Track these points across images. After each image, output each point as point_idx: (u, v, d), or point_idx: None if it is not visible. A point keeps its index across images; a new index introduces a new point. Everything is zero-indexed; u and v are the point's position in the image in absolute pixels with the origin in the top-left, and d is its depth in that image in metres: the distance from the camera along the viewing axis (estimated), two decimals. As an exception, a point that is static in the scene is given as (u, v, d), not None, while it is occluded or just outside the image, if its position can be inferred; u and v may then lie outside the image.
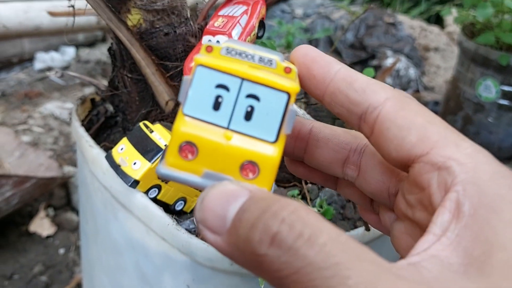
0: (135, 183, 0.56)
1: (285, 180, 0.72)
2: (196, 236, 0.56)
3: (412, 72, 2.05)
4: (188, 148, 0.28)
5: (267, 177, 0.28)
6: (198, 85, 0.28)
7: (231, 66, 0.28)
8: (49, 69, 1.99)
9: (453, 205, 0.25)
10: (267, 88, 0.28)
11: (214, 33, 0.60)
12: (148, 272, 0.62)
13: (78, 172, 0.79)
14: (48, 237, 1.25)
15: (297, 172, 0.38)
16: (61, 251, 1.22)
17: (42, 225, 1.28)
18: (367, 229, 0.62)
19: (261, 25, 0.67)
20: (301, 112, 0.60)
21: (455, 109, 1.71)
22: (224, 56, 0.29)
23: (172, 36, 0.62)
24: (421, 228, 0.28)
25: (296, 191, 0.70)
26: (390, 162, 0.29)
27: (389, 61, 2.05)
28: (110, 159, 0.59)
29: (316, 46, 2.05)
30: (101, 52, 2.17)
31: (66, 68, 2.03)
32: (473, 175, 0.25)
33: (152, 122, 0.66)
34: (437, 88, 2.07)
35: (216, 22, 0.61)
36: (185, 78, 0.29)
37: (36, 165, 1.31)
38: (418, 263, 0.24)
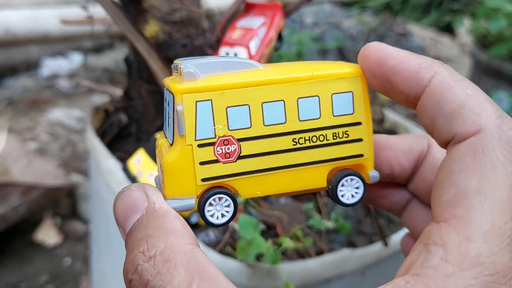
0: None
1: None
2: (213, 248, 0.55)
3: (422, 83, 2.04)
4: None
5: (167, 182, 0.29)
6: (165, 106, 0.32)
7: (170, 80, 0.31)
8: (56, 76, 1.99)
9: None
10: (169, 93, 0.30)
11: (232, 44, 0.59)
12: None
13: (91, 182, 0.78)
14: (54, 246, 1.24)
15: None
16: (67, 260, 1.21)
17: (48, 234, 1.26)
18: (386, 244, 0.61)
19: (279, 37, 0.66)
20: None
21: (466, 121, 1.69)
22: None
23: (190, 47, 0.61)
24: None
25: (311, 205, 0.68)
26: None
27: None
28: (126, 171, 0.58)
29: (326, 55, 2.04)
30: (108, 59, 2.17)
31: (73, 75, 2.03)
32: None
33: (168, 134, 0.64)
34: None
35: (234, 34, 0.60)
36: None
37: (43, 173, 1.30)
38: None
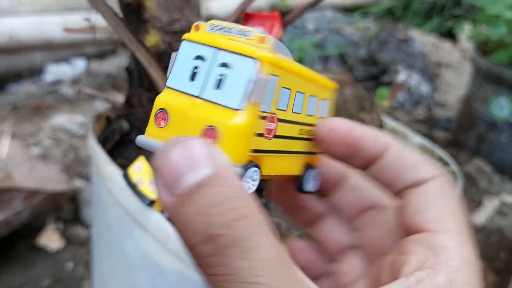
0: (151, 203, 0.56)
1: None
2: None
3: (424, 88, 2.05)
4: (161, 115, 0.29)
5: (230, 145, 0.27)
6: (181, 58, 0.30)
7: (207, 37, 0.29)
8: (60, 82, 2.00)
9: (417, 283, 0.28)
10: (238, 55, 0.28)
11: (231, 54, 0.60)
12: (162, 292, 0.62)
13: (93, 188, 0.79)
14: (56, 251, 1.24)
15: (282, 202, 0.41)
16: (70, 265, 1.22)
17: (51, 239, 1.27)
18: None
19: (279, 46, 0.66)
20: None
21: (468, 127, 1.70)
22: (208, 32, 0.31)
23: (190, 56, 0.62)
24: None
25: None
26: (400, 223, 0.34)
27: (400, 77, 2.05)
28: (127, 178, 0.59)
29: (328, 62, 2.05)
30: (111, 65, 2.18)
31: (76, 81, 2.04)
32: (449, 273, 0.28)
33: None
34: (449, 104, 2.06)
35: (234, 43, 0.61)
36: (172, 54, 0.31)
37: (46, 179, 1.31)
38: None
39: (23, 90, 1.94)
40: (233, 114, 0.27)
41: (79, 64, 2.11)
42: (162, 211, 0.58)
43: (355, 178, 0.39)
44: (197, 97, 0.29)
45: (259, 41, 0.29)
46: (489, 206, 1.50)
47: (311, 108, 0.34)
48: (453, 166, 0.82)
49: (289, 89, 0.31)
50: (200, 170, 0.24)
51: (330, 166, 0.39)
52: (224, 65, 0.28)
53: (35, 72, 2.02)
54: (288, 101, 0.31)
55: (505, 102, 1.54)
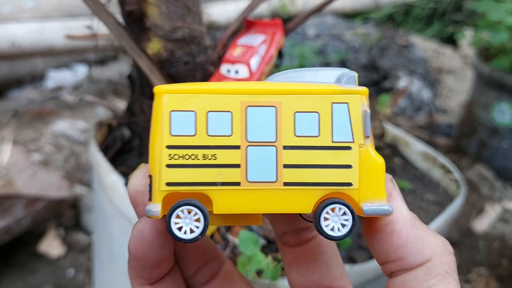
0: (153, 213, 0.56)
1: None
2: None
3: (425, 94, 2.05)
4: None
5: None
6: None
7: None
8: (61, 88, 2.00)
9: None
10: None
11: (233, 62, 0.60)
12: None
13: (94, 196, 0.79)
14: (57, 257, 1.24)
15: None
16: (71, 271, 1.21)
17: (52, 246, 1.27)
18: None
19: (280, 54, 0.66)
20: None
21: (470, 133, 1.69)
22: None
23: (192, 65, 0.62)
24: None
25: (312, 220, 0.69)
26: None
27: (402, 83, 2.05)
28: (128, 188, 0.58)
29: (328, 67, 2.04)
30: (112, 71, 2.19)
31: (77, 87, 2.04)
32: None
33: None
34: (451, 110, 2.06)
35: (235, 52, 0.61)
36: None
37: (47, 185, 1.31)
38: None
39: (24, 96, 1.94)
40: (367, 150, 0.31)
41: (81, 70, 2.11)
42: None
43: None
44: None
45: None
46: (491, 213, 1.49)
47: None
48: (456, 173, 0.81)
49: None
50: None
51: None
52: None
53: (36, 78, 2.02)
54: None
55: (506, 108, 1.54)
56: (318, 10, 0.65)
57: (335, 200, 0.30)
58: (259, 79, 0.60)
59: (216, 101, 0.30)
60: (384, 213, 0.30)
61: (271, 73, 0.65)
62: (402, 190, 0.81)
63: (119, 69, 2.21)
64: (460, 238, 1.41)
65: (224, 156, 0.30)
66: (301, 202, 0.31)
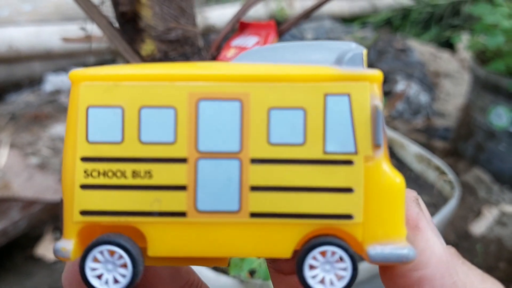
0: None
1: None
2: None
3: (423, 98, 2.05)
4: None
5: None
6: None
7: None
8: (59, 91, 2.00)
9: None
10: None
11: (227, 63, 0.60)
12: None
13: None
14: (54, 261, 1.24)
15: None
16: (67, 275, 1.21)
17: (48, 249, 1.26)
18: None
19: (274, 55, 0.66)
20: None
21: (467, 136, 1.69)
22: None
23: (185, 65, 0.62)
24: None
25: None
26: None
27: (399, 87, 2.05)
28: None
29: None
30: (111, 75, 2.18)
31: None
32: None
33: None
34: (448, 114, 2.06)
35: (228, 53, 0.61)
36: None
37: (44, 188, 1.31)
38: None
39: (22, 100, 1.94)
40: (380, 164, 0.22)
41: (79, 74, 2.10)
42: None
43: None
44: None
45: None
46: (488, 216, 1.49)
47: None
48: (450, 175, 0.81)
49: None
50: None
51: None
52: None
53: (34, 82, 2.02)
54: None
55: (503, 111, 1.54)
56: (309, 12, 0.65)
57: (327, 239, 0.21)
58: None
59: (153, 92, 0.21)
60: (400, 260, 0.21)
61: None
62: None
63: (117, 73, 2.20)
64: (457, 241, 1.41)
65: (163, 174, 0.21)
66: (276, 243, 0.21)
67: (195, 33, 0.62)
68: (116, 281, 0.21)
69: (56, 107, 1.91)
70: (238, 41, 0.63)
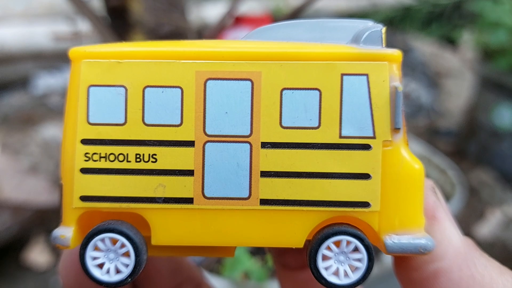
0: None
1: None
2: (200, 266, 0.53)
3: (425, 97, 2.02)
4: None
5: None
6: None
7: None
8: (51, 92, 1.97)
9: None
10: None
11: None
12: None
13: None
14: (46, 266, 1.21)
15: None
16: (60, 281, 1.18)
17: (40, 255, 1.24)
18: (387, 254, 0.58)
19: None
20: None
21: (470, 136, 1.67)
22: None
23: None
24: None
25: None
26: None
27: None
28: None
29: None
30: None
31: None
32: None
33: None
34: (450, 113, 2.04)
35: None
36: None
37: (35, 192, 1.28)
38: None
39: (13, 101, 1.91)
40: (398, 149, 0.21)
41: (72, 74, 2.08)
42: None
43: None
44: None
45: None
46: (492, 218, 1.47)
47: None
48: (451, 173, 0.79)
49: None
50: None
51: None
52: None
53: (25, 84, 2.00)
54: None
55: (507, 110, 1.51)
56: (303, 8, 0.62)
57: (342, 229, 0.19)
58: None
59: (158, 71, 0.19)
60: (418, 251, 0.20)
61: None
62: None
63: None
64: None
65: (168, 158, 0.20)
66: (287, 231, 0.20)
67: (187, 29, 0.59)
68: (118, 271, 0.20)
69: (47, 109, 1.88)
70: (232, 36, 0.61)
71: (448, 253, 0.21)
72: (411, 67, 2.14)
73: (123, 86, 0.20)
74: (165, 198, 0.20)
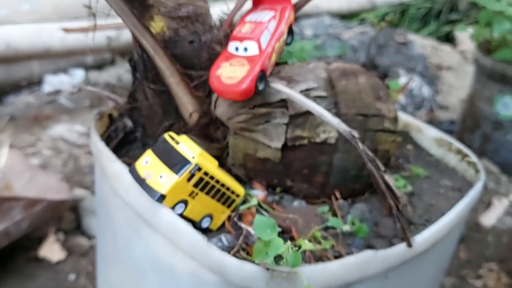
0: (161, 198, 0.53)
1: (314, 196, 0.68)
2: (228, 253, 0.52)
3: (426, 91, 2.02)
4: None
5: None
6: None
7: None
8: (58, 92, 1.97)
9: None
10: None
11: (241, 39, 0.57)
12: (174, 295, 0.58)
13: (96, 190, 0.75)
14: (57, 262, 1.20)
15: None
16: (71, 276, 1.18)
17: (52, 250, 1.23)
18: (409, 245, 0.58)
19: (290, 31, 0.64)
20: (336, 121, 0.56)
21: (473, 128, 1.67)
22: None
23: (197, 44, 0.59)
24: None
25: (326, 208, 0.66)
26: None
27: (401, 80, 2.03)
28: (134, 173, 0.55)
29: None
30: (109, 75, 2.16)
31: (74, 92, 2.01)
32: None
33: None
34: (452, 106, 2.04)
35: (243, 28, 0.59)
36: None
37: (46, 188, 1.27)
38: None
39: (21, 101, 1.91)
40: None
41: (78, 74, 2.08)
42: (173, 207, 0.55)
43: None
44: None
45: None
46: (499, 207, 1.47)
47: None
48: (473, 157, 0.79)
49: None
50: None
51: None
52: None
53: (33, 83, 2.00)
54: None
55: (510, 100, 1.51)
56: (301, 4, 0.63)
57: None
58: (269, 56, 0.58)
59: None
60: None
61: (282, 50, 0.62)
62: (417, 177, 0.78)
63: (116, 73, 2.18)
64: (468, 233, 1.39)
65: None
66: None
67: (206, 9, 0.59)
68: None
69: (55, 108, 1.88)
70: (252, 16, 0.60)
71: None
72: (411, 61, 2.15)
73: None
74: None
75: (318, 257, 0.58)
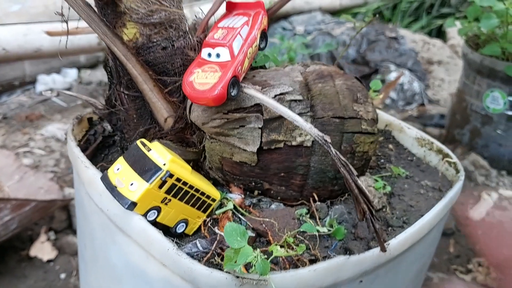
0: (132, 205, 0.53)
1: (292, 198, 0.68)
2: (199, 261, 0.52)
3: (416, 85, 2.03)
4: None
5: None
6: None
7: None
8: (51, 91, 1.97)
9: None
10: None
11: (213, 45, 0.57)
12: (149, 300, 0.58)
13: (75, 193, 0.76)
14: (48, 261, 1.21)
15: None
16: (62, 276, 1.18)
17: (42, 250, 1.24)
18: (383, 249, 0.58)
19: (263, 36, 0.64)
20: (308, 126, 0.57)
21: (462, 122, 1.67)
22: None
23: (170, 50, 0.60)
24: None
25: (304, 210, 0.66)
26: None
27: (392, 75, 2.03)
28: (106, 180, 0.56)
29: (318, 61, 2.02)
30: (102, 74, 2.16)
31: (67, 90, 2.01)
32: None
33: (151, 140, 0.62)
34: (442, 101, 2.04)
35: (216, 34, 0.59)
36: None
37: (35, 188, 1.28)
38: None
39: (13, 100, 1.91)
40: None
41: (70, 74, 2.08)
42: (144, 214, 0.55)
43: None
44: None
45: None
46: (488, 200, 1.47)
47: None
48: (454, 157, 0.79)
49: None
50: None
51: None
52: None
53: (26, 83, 1.99)
54: None
55: (499, 94, 1.52)
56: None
57: None
58: (242, 62, 0.58)
59: None
60: None
61: (255, 55, 0.62)
62: (398, 176, 0.78)
63: (107, 71, 2.17)
64: (458, 227, 1.39)
65: None
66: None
67: (180, 15, 0.59)
68: None
69: (48, 107, 1.88)
70: (225, 22, 0.60)
71: None
72: (402, 56, 2.15)
73: None
74: None
75: (294, 262, 0.58)
